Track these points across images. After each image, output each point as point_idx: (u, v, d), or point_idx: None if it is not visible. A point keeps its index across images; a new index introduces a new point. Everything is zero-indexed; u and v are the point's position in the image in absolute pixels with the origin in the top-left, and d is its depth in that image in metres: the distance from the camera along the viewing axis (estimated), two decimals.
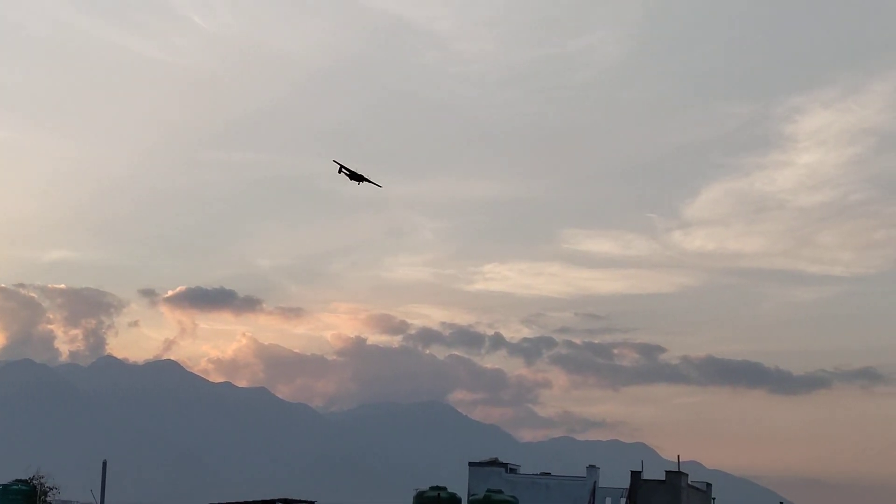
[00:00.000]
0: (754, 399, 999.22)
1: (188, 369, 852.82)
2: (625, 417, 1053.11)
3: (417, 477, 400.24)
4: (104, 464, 60.02)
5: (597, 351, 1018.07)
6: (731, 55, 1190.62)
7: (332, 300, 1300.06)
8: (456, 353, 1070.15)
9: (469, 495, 62.85)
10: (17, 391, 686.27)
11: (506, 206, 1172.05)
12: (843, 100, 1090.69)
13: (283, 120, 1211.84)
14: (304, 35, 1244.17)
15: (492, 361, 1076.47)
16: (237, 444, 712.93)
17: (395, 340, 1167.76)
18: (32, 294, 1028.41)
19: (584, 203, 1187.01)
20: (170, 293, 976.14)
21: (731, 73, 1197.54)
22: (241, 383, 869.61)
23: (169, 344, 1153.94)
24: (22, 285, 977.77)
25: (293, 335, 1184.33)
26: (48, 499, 62.34)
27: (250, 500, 65.49)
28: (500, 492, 56.55)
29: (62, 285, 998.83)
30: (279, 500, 63.60)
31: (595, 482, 69.87)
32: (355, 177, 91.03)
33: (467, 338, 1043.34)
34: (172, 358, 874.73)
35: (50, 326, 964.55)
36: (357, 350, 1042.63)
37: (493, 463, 72.34)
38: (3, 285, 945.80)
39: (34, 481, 60.66)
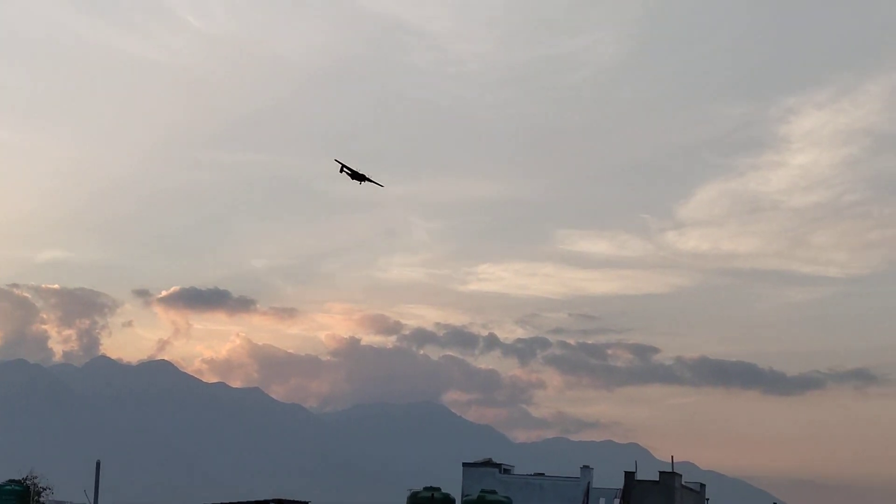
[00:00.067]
0: (748, 400, 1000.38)
1: (182, 369, 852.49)
2: (619, 418, 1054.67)
3: (411, 477, 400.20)
4: (98, 464, 59.96)
5: (591, 351, 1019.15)
6: (726, 56, 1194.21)
7: (326, 300, 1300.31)
8: (450, 353, 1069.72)
9: (463, 496, 62.84)
10: (11, 391, 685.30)
11: (500, 206, 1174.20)
12: (837, 101, 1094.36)
13: (278, 121, 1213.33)
14: (300, 36, 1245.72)
15: (486, 362, 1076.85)
16: (231, 445, 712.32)
17: (390, 341, 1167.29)
18: (26, 294, 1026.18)
19: (579, 203, 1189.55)
20: (164, 293, 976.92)
21: (725, 74, 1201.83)
22: (235, 383, 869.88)
23: (163, 344, 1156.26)
24: (16, 285, 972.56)
25: (287, 335, 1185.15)
26: (42, 499, 62.32)
27: (244, 500, 65.46)
28: (494, 492, 56.58)
29: (56, 285, 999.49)
30: (273, 501, 63.54)
31: (589, 483, 69.93)
32: (357, 176, 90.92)
33: (461, 338, 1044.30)
34: (166, 358, 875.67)
35: (44, 326, 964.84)
36: (351, 350, 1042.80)
37: (487, 463, 72.40)
38: None
39: (28, 481, 60.64)
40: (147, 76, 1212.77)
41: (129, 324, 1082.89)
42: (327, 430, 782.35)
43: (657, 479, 69.03)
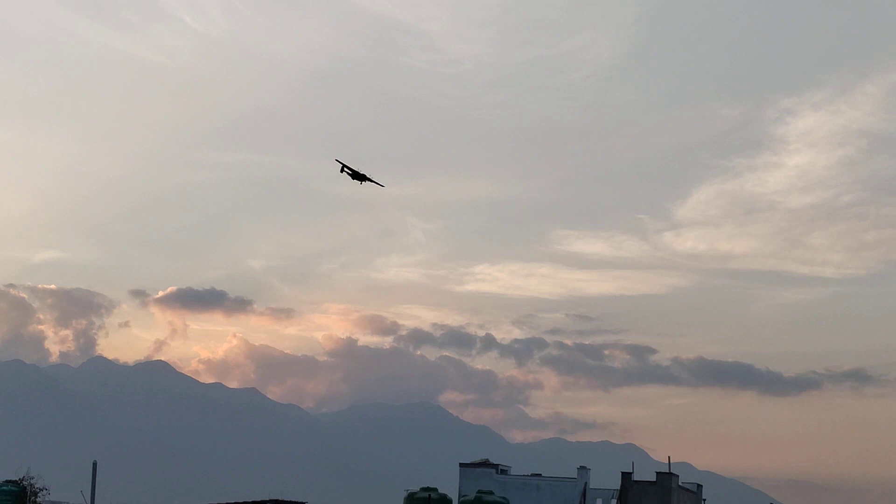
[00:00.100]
0: (745, 400, 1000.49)
1: (179, 370, 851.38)
2: (615, 418, 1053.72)
3: (408, 478, 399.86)
4: (94, 464, 59.88)
5: (588, 352, 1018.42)
6: (722, 57, 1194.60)
7: (322, 301, 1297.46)
8: (447, 354, 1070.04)
9: (460, 496, 62.87)
10: (8, 392, 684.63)
11: (497, 206, 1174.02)
12: (833, 101, 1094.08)
13: (274, 121, 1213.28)
14: (296, 36, 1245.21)
15: (482, 362, 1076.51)
16: (228, 445, 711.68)
17: (386, 341, 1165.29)
18: (23, 294, 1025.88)
19: (575, 204, 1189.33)
20: (160, 294, 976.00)
21: (721, 74, 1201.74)
22: (232, 384, 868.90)
23: (159, 344, 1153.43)
24: (12, 285, 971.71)
25: (284, 336, 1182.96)
26: (38, 499, 62.21)
27: (240, 500, 65.43)
28: (491, 493, 56.59)
29: (52, 285, 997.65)
30: (270, 501, 63.54)
31: (586, 483, 69.96)
32: (357, 176, 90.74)
33: (458, 339, 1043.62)
34: (163, 359, 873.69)
35: (40, 327, 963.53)
36: (348, 351, 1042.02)
37: (484, 464, 72.38)
38: None
39: (24, 482, 60.52)
40: (143, 76, 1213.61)
41: (125, 324, 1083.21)
42: (324, 430, 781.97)
43: (654, 479, 69.08)
